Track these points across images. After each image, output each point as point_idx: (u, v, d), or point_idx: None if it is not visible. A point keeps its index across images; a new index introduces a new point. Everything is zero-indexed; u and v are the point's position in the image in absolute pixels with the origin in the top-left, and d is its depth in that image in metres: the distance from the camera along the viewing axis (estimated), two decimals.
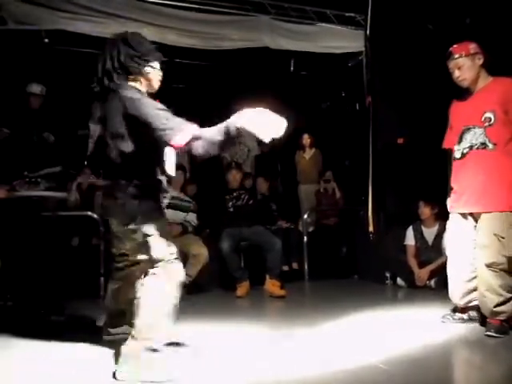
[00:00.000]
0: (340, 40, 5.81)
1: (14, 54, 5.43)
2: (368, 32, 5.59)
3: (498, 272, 2.75)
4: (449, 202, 3.07)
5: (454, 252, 3.03)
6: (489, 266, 2.76)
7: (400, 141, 5.53)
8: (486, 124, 2.81)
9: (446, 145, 3.12)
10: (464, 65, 2.87)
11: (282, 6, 5.59)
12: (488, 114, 2.81)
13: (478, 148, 2.83)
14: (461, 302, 3.05)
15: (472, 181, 2.84)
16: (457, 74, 2.90)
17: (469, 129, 2.88)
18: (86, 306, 4.12)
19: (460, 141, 2.92)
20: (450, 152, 3.07)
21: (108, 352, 2.53)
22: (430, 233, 4.75)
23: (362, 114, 5.85)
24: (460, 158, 2.93)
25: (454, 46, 2.93)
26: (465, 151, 2.89)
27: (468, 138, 2.88)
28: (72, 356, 2.54)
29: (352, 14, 5.80)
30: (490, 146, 2.80)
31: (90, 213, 4.96)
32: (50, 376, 2.25)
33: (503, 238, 2.74)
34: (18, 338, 2.92)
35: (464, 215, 2.95)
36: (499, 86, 2.86)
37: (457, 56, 2.88)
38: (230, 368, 2.33)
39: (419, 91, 5.10)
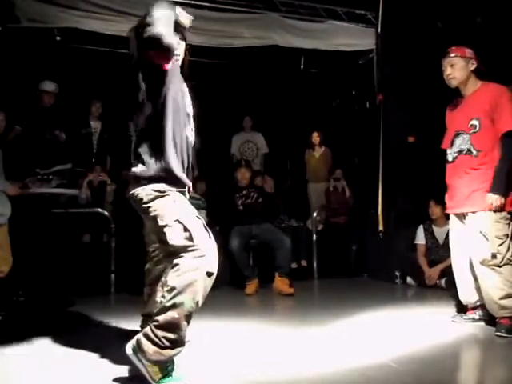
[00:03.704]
0: (350, 38, 5.78)
1: (27, 52, 5.48)
2: (379, 30, 5.56)
3: (492, 268, 2.80)
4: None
5: (457, 252, 3.11)
6: (481, 263, 2.84)
7: (410, 139, 5.50)
8: (472, 131, 2.93)
9: (443, 145, 3.22)
10: (457, 64, 2.99)
11: (292, 4, 5.58)
12: (474, 122, 2.93)
13: (465, 153, 2.97)
14: (470, 301, 3.08)
15: (459, 183, 2.98)
16: (448, 71, 3.02)
17: (458, 134, 3.01)
18: (96, 302, 4.16)
19: (452, 145, 3.06)
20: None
21: (117, 349, 2.56)
22: (440, 232, 4.73)
23: (372, 112, 5.83)
24: (451, 162, 3.06)
25: (452, 47, 3.04)
26: (455, 155, 3.03)
27: (457, 142, 3.01)
28: (82, 352, 2.56)
29: (362, 12, 5.77)
30: (474, 152, 2.92)
31: (100, 210, 4.99)
32: (59, 371, 2.28)
33: (488, 235, 2.82)
34: (29, 333, 2.96)
35: (458, 216, 3.06)
36: (486, 92, 2.95)
37: (452, 55, 3.01)
38: (239, 366, 2.33)
39: (430, 89, 5.07)
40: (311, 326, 3.10)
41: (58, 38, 5.64)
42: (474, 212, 2.90)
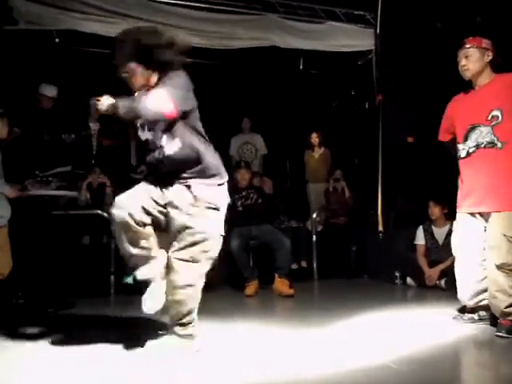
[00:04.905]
0: (349, 38, 5.79)
1: (26, 54, 5.48)
2: (378, 30, 5.57)
3: (508, 273, 2.74)
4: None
5: (462, 252, 3.02)
6: (499, 266, 2.74)
7: (410, 139, 5.50)
8: (494, 122, 2.80)
9: (441, 138, 3.16)
10: (472, 55, 2.89)
11: (290, 5, 5.58)
12: (495, 112, 2.80)
13: (485, 147, 2.82)
14: (470, 303, 3.03)
15: (480, 180, 2.83)
16: (463, 62, 2.92)
17: (474, 127, 2.87)
18: (96, 304, 4.15)
19: (465, 139, 2.91)
20: (447, 144, 3.13)
21: (117, 350, 2.55)
22: (440, 232, 4.73)
23: (371, 113, 5.83)
24: (465, 157, 2.92)
25: (470, 38, 2.95)
26: (471, 150, 2.88)
27: (474, 136, 2.86)
28: (82, 354, 2.55)
29: (361, 12, 5.78)
30: (499, 144, 2.78)
31: (100, 211, 4.98)
32: (58, 373, 2.27)
33: None
34: (28, 336, 2.95)
35: (473, 214, 2.93)
36: (503, 81, 2.85)
37: (468, 46, 2.92)
38: (239, 367, 2.33)
39: (429, 89, 5.08)
40: (311, 327, 3.09)
41: (56, 40, 5.64)
42: (497, 212, 2.77)
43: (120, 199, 2.38)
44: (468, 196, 2.93)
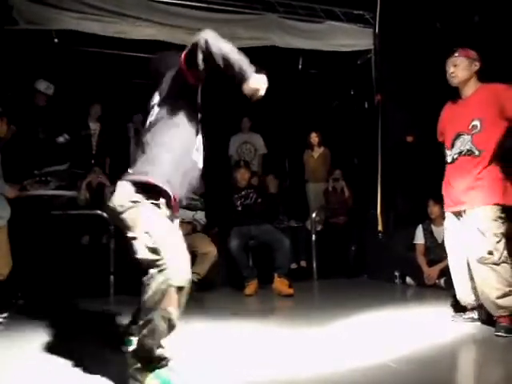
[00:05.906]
0: (349, 38, 5.79)
1: (25, 54, 5.48)
2: (377, 30, 5.57)
3: (489, 266, 2.80)
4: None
5: (453, 252, 3.12)
6: (479, 261, 2.83)
7: (409, 139, 5.51)
8: (473, 131, 2.95)
9: (440, 139, 3.28)
10: (460, 64, 3.03)
11: (290, 4, 5.59)
12: (475, 122, 2.94)
13: (465, 154, 2.98)
14: (469, 301, 3.08)
15: (458, 182, 2.99)
16: (451, 70, 3.07)
17: (459, 135, 3.03)
18: (95, 304, 4.15)
19: (452, 146, 3.08)
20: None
21: (116, 350, 2.55)
22: (439, 232, 4.71)
23: (370, 112, 5.83)
24: (451, 163, 3.09)
25: (458, 48, 3.08)
26: (455, 157, 3.05)
27: (458, 144, 3.03)
28: (81, 354, 2.56)
29: (360, 12, 5.79)
30: (476, 152, 2.93)
31: (99, 211, 4.98)
32: (58, 373, 2.28)
33: (485, 232, 2.82)
34: (28, 336, 2.96)
35: (455, 214, 3.06)
36: (488, 90, 2.97)
37: (457, 55, 3.06)
38: (238, 366, 2.33)
39: (428, 89, 5.08)
40: (311, 327, 3.10)
41: (55, 40, 5.65)
42: (471, 208, 2.91)
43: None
44: (448, 196, 3.11)
